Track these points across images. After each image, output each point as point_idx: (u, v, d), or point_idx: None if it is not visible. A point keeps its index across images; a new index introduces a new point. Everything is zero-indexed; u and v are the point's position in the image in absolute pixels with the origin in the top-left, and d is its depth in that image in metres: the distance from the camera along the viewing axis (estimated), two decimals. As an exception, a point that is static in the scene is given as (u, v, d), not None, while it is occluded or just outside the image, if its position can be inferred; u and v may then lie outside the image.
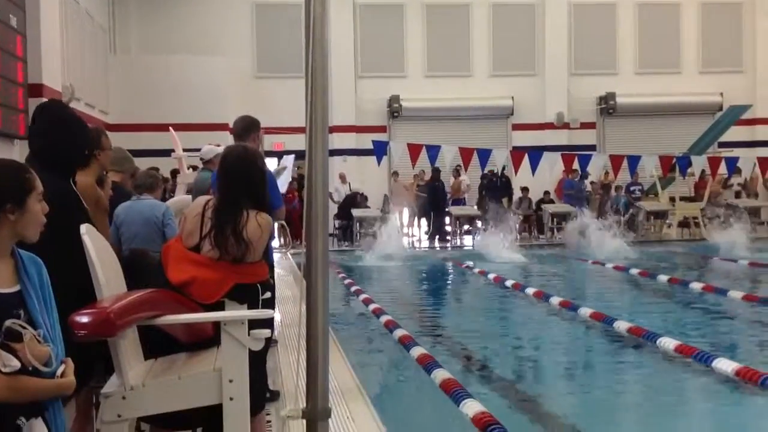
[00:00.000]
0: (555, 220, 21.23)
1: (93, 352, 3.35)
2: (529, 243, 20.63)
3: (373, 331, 8.79)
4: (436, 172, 21.09)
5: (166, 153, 13.10)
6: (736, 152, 21.98)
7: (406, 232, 22.17)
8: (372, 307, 10.12)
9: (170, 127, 12.91)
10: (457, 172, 21.83)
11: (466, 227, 21.43)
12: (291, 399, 5.09)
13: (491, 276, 13.51)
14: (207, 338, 3.65)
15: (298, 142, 18.79)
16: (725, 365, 6.74)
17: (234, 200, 3.78)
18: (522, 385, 6.72)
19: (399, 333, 8.19)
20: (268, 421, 5.06)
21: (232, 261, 3.71)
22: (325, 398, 1.81)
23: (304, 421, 2.28)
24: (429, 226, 21.54)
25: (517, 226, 21.98)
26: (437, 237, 21.46)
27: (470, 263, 15.61)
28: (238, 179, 3.84)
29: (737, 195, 22.19)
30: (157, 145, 16.44)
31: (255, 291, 3.78)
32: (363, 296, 11.06)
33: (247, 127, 5.76)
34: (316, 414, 1.82)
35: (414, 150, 19.72)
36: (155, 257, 4.40)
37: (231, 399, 3.26)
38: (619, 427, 5.81)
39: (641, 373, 7.07)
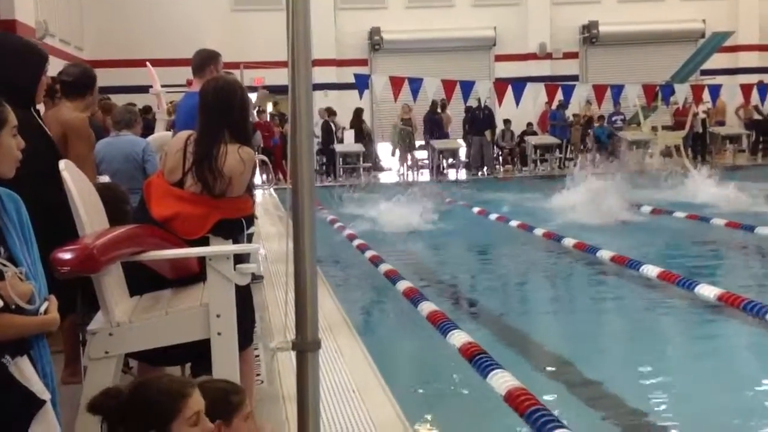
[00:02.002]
0: (538, 152, 21.21)
1: (74, 289, 3.33)
2: (512, 175, 20.65)
3: (359, 267, 8.81)
4: (434, 104, 20.85)
5: (144, 89, 12.88)
6: (718, 80, 21.92)
7: (392, 167, 22.14)
8: (356, 242, 10.15)
9: (147, 63, 12.67)
10: (441, 105, 21.65)
11: (450, 161, 21.38)
12: (279, 334, 5.11)
13: (475, 210, 13.55)
14: (192, 274, 3.62)
15: (279, 76, 18.50)
16: (708, 291, 6.84)
17: (214, 133, 3.71)
18: (507, 315, 6.77)
19: (384, 268, 8.23)
20: (256, 356, 5.09)
21: (215, 196, 3.65)
22: (315, 329, 1.79)
23: (294, 354, 2.27)
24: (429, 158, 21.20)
25: (501, 158, 22.01)
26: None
27: (453, 197, 15.61)
28: (218, 111, 3.75)
29: (703, 123, 22.19)
30: (134, 81, 16.15)
31: (240, 226, 3.75)
32: (347, 232, 11.07)
33: (202, 62, 5.64)
34: (306, 345, 1.81)
35: (396, 83, 19.50)
36: (123, 191, 4.35)
37: (219, 334, 3.26)
38: (604, 353, 5.89)
39: (624, 301, 7.14)
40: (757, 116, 22.32)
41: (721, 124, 22.78)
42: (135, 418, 2.28)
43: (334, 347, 5.20)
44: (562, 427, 3.88)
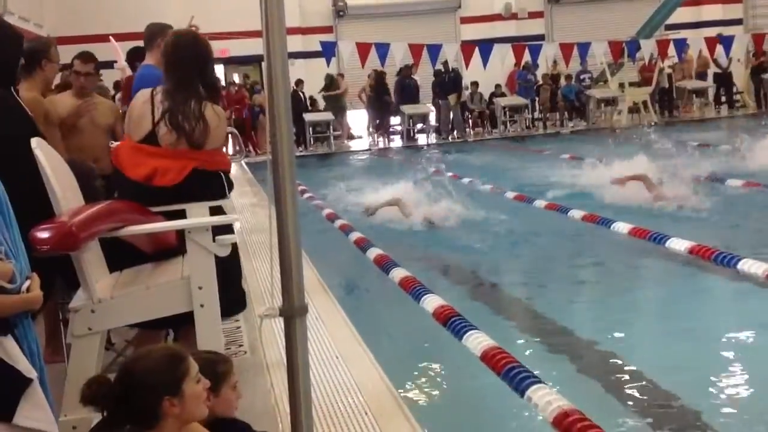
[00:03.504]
0: (507, 113, 21.24)
1: (53, 267, 3.30)
2: (482, 137, 20.70)
3: (331, 235, 8.82)
4: (406, 68, 20.70)
5: (109, 65, 12.68)
6: (682, 34, 22.05)
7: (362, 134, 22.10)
8: (326, 212, 10.17)
9: (111, 37, 12.45)
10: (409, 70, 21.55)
11: (419, 125, 21.35)
12: (262, 302, 5.13)
13: (448, 174, 13.58)
14: (171, 248, 3.62)
15: (244, 47, 18.27)
16: (679, 244, 6.96)
17: (188, 82, 3.67)
18: (480, 277, 6.80)
19: (354, 236, 8.30)
20: (238, 327, 5.11)
21: (192, 145, 3.62)
22: (302, 294, 1.80)
23: (276, 323, 2.29)
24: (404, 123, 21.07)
25: (470, 121, 22.02)
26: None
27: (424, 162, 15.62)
28: (191, 62, 3.71)
29: (669, 78, 22.35)
30: (98, 57, 15.89)
31: (219, 180, 3.74)
32: (316, 202, 11.07)
33: (152, 35, 5.54)
34: (293, 310, 1.82)
35: (363, 49, 19.40)
36: (90, 167, 4.31)
37: (201, 306, 3.27)
38: (576, 311, 5.95)
39: (597, 258, 7.20)
40: (716, 69, 22.50)
41: (703, 76, 22.83)
42: (142, 392, 2.29)
43: (315, 314, 5.23)
44: (539, 382, 3.95)
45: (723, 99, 22.84)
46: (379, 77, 20.71)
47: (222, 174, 3.76)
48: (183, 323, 3.52)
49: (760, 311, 5.38)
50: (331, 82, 20.95)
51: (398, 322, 5.61)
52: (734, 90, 23.14)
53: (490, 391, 4.13)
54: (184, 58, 3.72)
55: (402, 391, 4.01)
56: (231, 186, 3.86)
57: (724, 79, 22.62)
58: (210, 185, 3.68)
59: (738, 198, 9.17)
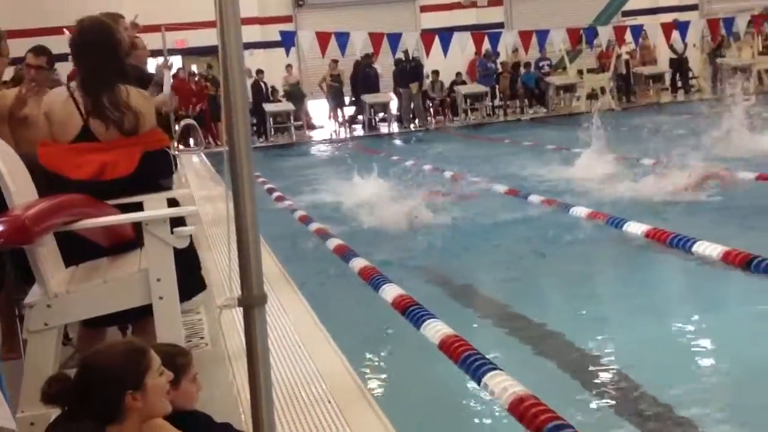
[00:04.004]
0: (468, 101, 21.32)
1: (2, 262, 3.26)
2: (444, 126, 20.76)
3: (291, 226, 8.80)
4: (367, 57, 20.65)
5: (64, 57, 12.49)
6: (639, 20, 22.30)
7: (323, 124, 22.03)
8: (286, 203, 10.14)
9: (65, 30, 12.25)
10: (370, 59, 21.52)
11: (381, 114, 21.35)
12: (222, 294, 5.09)
13: (409, 163, 13.60)
14: (128, 241, 3.58)
15: (202, 37, 18.07)
16: (635, 228, 7.05)
17: (101, 71, 3.61)
18: (438, 265, 6.78)
19: (314, 226, 8.30)
20: (199, 319, 5.08)
21: (128, 133, 3.58)
22: (260, 283, 1.79)
23: (237, 314, 2.28)
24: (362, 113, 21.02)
25: (432, 110, 22.07)
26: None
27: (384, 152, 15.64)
28: (101, 50, 3.64)
29: (626, 64, 22.62)
30: (52, 50, 15.60)
31: (166, 156, 3.71)
32: (276, 193, 11.03)
33: None
34: (252, 300, 1.81)
35: (323, 38, 19.31)
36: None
37: (160, 298, 3.24)
38: (536, 297, 5.96)
39: (556, 243, 7.22)
40: (672, 55, 22.81)
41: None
42: (104, 386, 2.27)
43: (277, 304, 5.21)
44: (496, 368, 4.00)
45: (679, 84, 23.16)
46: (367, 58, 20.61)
47: (167, 150, 3.73)
48: (137, 317, 3.49)
49: (716, 292, 5.48)
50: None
51: (360, 311, 5.61)
52: (690, 75, 23.48)
53: (450, 378, 4.16)
54: (93, 45, 3.65)
55: (364, 379, 4.02)
56: (176, 162, 3.84)
57: (680, 65, 22.95)
58: (160, 164, 3.66)
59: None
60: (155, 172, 3.64)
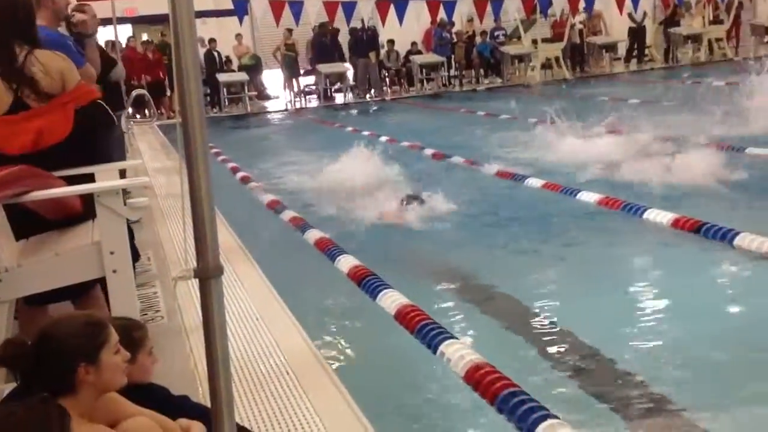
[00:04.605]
0: (424, 71, 21.27)
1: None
2: (400, 96, 20.71)
3: (247, 198, 8.73)
4: (323, 26, 20.43)
5: None
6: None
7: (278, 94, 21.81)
8: (240, 175, 10.06)
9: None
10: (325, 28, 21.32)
11: (337, 85, 21.21)
12: (178, 266, 5.04)
13: (365, 133, 13.56)
14: (76, 214, 3.51)
15: (153, 5, 17.60)
16: (588, 197, 7.14)
17: (4, 40, 3.51)
18: (392, 235, 6.76)
19: (267, 198, 8.26)
20: (155, 293, 5.02)
21: (53, 95, 3.50)
22: (217, 254, 1.76)
23: (193, 286, 2.25)
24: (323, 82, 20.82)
25: (387, 80, 21.98)
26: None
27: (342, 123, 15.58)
28: (4, 16, 3.54)
29: (580, 34, 22.77)
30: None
31: (102, 109, 3.64)
32: (231, 164, 10.92)
33: None
34: (208, 271, 1.78)
35: (276, 7, 19.07)
36: None
37: (114, 272, 3.19)
38: (493, 266, 5.97)
39: (512, 213, 7.25)
40: (631, 24, 23.02)
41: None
42: (58, 357, 2.23)
43: (234, 277, 5.18)
44: (451, 337, 4.03)
45: (635, 53, 23.38)
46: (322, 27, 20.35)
47: (99, 102, 3.66)
48: (81, 294, 3.43)
49: (669, 260, 5.57)
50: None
51: (317, 283, 5.59)
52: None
53: (408, 348, 4.19)
54: None
55: (321, 350, 4.02)
56: (111, 115, 3.77)
57: (638, 34, 23.16)
58: (96, 117, 3.58)
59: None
60: (92, 127, 3.56)
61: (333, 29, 20.56)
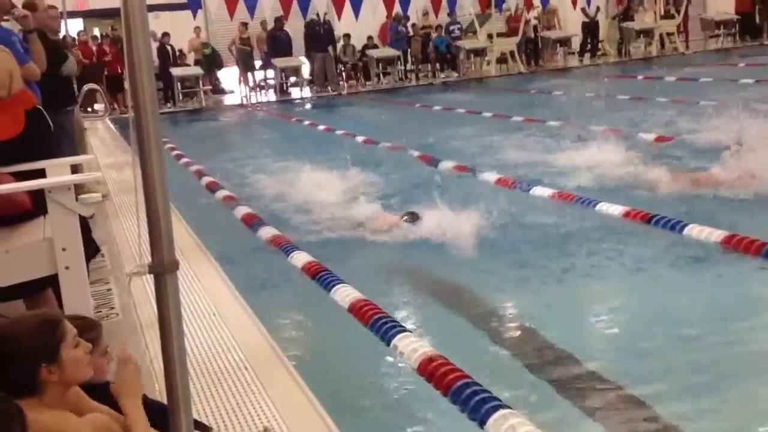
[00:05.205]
0: (380, 65, 21.27)
1: None
2: (356, 90, 20.67)
3: (203, 194, 8.64)
4: (278, 21, 20.26)
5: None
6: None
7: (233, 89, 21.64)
8: (193, 168, 9.96)
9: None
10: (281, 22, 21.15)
11: (292, 79, 21.09)
12: (131, 263, 4.98)
13: (321, 128, 13.54)
14: (26, 210, 3.45)
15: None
16: (542, 191, 7.22)
17: None
18: (345, 229, 6.72)
19: (221, 194, 8.23)
20: (108, 290, 4.96)
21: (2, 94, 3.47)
22: (172, 249, 1.75)
23: (149, 283, 2.21)
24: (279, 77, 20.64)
25: (344, 74, 21.93)
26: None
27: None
28: None
29: (534, 28, 22.99)
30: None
31: (42, 113, 3.61)
32: (184, 160, 10.82)
33: None
34: (163, 267, 1.77)
35: (231, 1, 18.91)
36: None
37: (66, 268, 3.14)
38: (445, 258, 5.93)
39: (464, 203, 7.14)
40: (585, 18, 23.29)
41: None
42: (17, 360, 2.19)
43: (191, 273, 5.13)
44: (405, 330, 4.07)
45: (588, 47, 23.65)
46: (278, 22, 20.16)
47: (39, 108, 3.64)
48: (32, 292, 3.38)
49: (623, 251, 5.60)
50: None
51: (273, 278, 5.57)
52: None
53: (363, 341, 4.20)
54: None
55: (279, 344, 4.00)
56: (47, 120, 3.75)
57: (592, 29, 23.44)
58: (40, 122, 3.56)
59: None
60: (39, 131, 3.54)
61: (279, 23, 20.40)
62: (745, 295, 4.67)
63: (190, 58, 20.80)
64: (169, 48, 20.12)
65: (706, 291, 4.77)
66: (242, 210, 7.36)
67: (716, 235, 5.40)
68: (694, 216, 5.94)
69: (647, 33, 23.14)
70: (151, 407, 2.64)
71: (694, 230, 5.57)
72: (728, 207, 6.28)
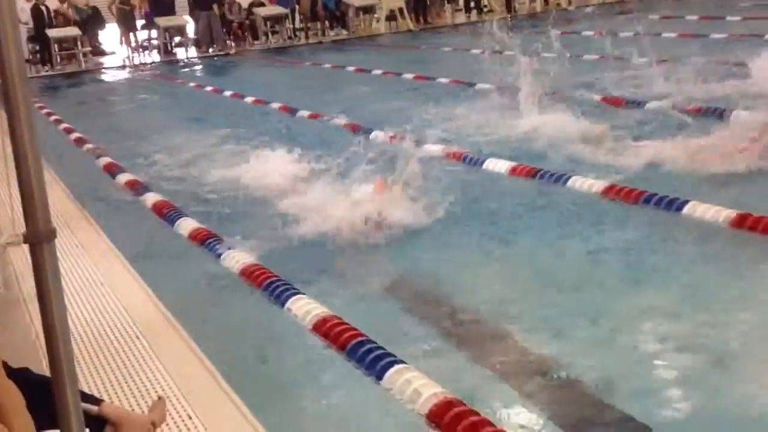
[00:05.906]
0: (269, 23, 20.87)
1: None
2: (244, 49, 20.24)
3: (85, 161, 8.30)
4: None
5: None
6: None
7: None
8: (74, 135, 9.57)
9: None
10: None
11: (177, 39, 20.45)
12: (6, 230, 4.75)
13: (209, 89, 13.22)
14: None
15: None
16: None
17: None
18: (228, 192, 6.55)
19: (103, 161, 7.96)
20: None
21: None
22: (47, 218, 1.66)
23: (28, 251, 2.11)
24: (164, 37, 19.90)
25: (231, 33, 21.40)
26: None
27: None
28: None
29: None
30: None
31: None
32: (63, 125, 10.36)
33: None
34: (39, 236, 1.68)
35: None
36: None
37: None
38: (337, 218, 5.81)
39: (353, 166, 6.94)
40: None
41: None
42: None
43: (75, 242, 4.95)
44: (298, 293, 4.05)
45: (472, 5, 23.87)
46: None
47: None
48: None
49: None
50: None
51: (162, 246, 5.38)
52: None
53: (257, 306, 4.16)
54: None
55: (171, 312, 3.91)
56: None
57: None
58: None
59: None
60: None
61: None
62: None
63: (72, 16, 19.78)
64: (43, 8, 19.11)
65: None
66: (126, 176, 7.10)
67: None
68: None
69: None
70: (32, 382, 2.54)
71: (577, 182, 5.75)
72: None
